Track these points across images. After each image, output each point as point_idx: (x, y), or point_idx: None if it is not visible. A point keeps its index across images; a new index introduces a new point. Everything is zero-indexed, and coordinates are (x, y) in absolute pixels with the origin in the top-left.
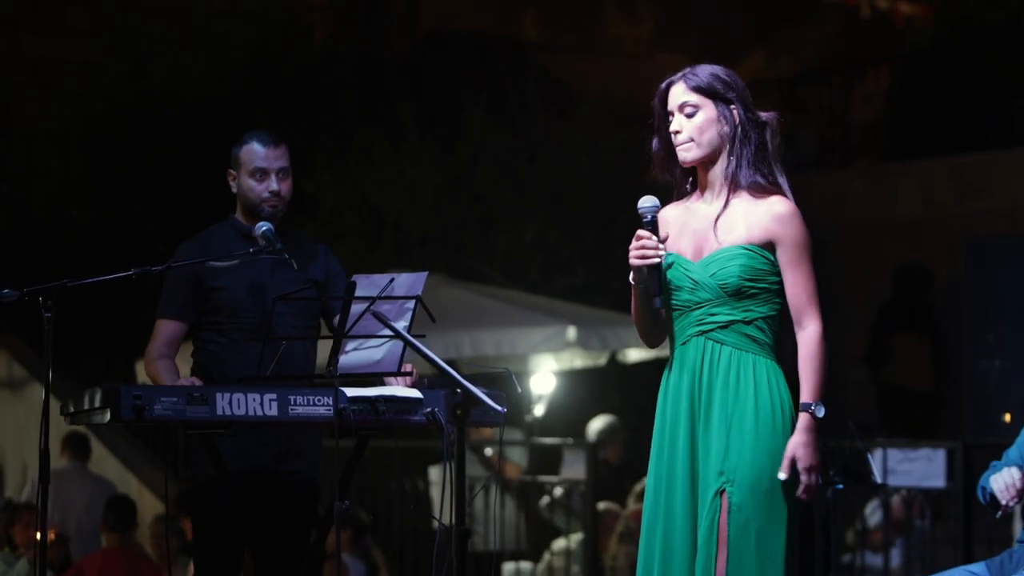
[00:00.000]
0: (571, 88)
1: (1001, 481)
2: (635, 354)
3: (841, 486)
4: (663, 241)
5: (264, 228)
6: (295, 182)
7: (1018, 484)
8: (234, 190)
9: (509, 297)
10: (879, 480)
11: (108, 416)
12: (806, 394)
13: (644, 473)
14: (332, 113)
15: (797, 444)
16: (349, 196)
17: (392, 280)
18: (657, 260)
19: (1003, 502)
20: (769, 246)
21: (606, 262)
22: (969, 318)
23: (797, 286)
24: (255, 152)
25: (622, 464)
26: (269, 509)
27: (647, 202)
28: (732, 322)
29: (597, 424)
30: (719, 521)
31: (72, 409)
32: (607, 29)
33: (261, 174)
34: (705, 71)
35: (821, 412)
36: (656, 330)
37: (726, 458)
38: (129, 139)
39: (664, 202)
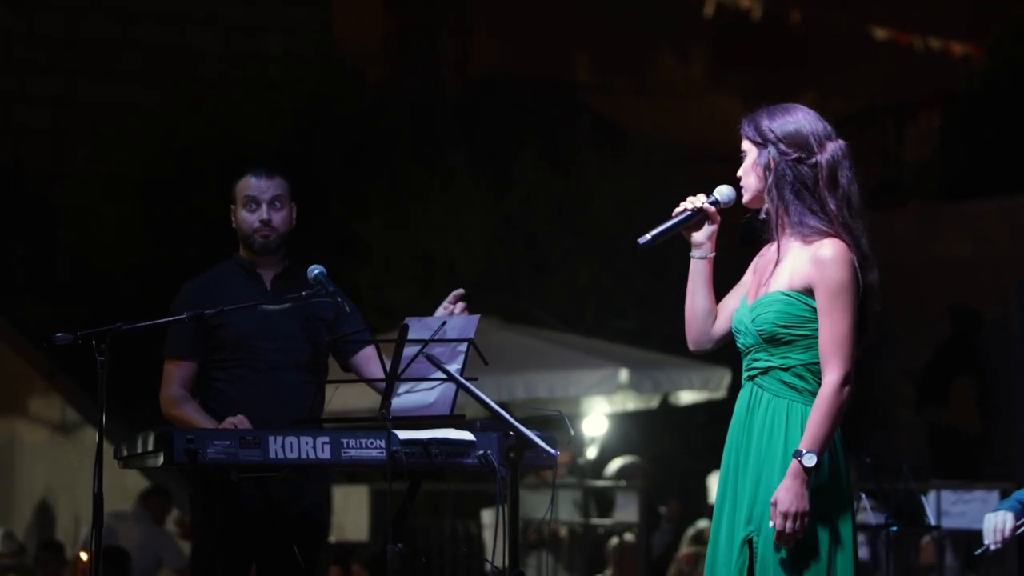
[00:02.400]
0: (623, 130)
1: (992, 521)
2: (687, 396)
3: (895, 528)
4: (711, 214)
5: (317, 271)
6: (348, 226)
7: (1006, 533)
8: (234, 226)
9: (561, 340)
10: (932, 522)
11: (161, 459)
12: (803, 441)
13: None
14: (385, 157)
15: (779, 489)
16: (402, 240)
17: (444, 323)
18: (691, 209)
19: (986, 542)
20: (809, 292)
21: (659, 306)
22: (1021, 359)
23: (824, 334)
24: (247, 183)
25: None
26: (274, 548)
27: (719, 190)
28: (771, 368)
29: (616, 464)
30: (747, 571)
31: (125, 452)
32: (659, 71)
33: (253, 203)
34: (753, 118)
35: (811, 462)
36: (695, 331)
37: (754, 506)
38: (183, 183)
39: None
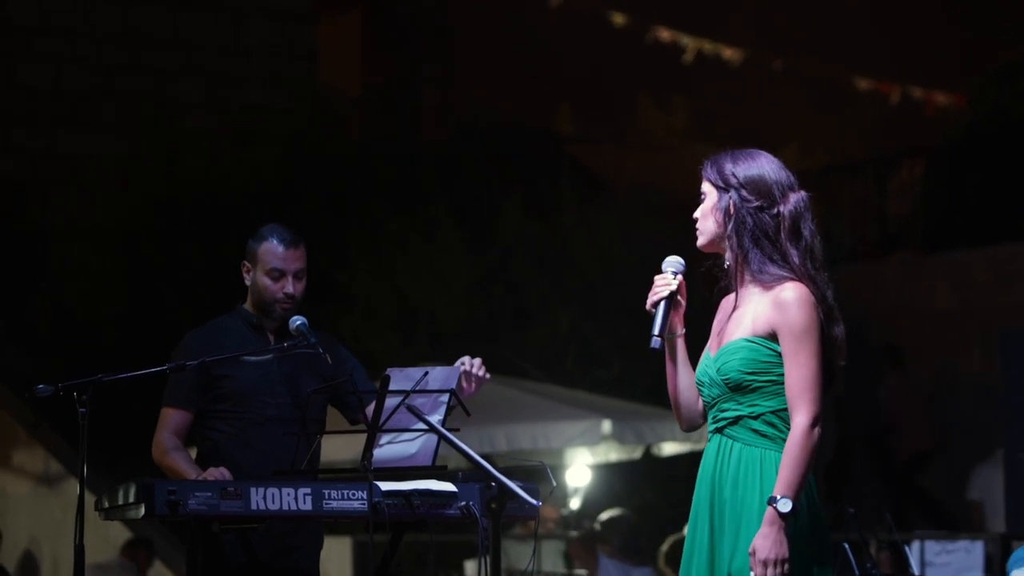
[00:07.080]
0: (604, 179)
1: None
2: (670, 448)
3: None
4: (681, 289)
5: (299, 323)
6: (330, 275)
7: None
8: (247, 283)
9: (544, 391)
10: (916, 572)
11: (143, 511)
12: (777, 487)
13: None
14: (367, 206)
15: (756, 537)
16: (383, 288)
17: (427, 373)
18: (667, 292)
19: None
20: (773, 336)
21: (641, 353)
22: (1005, 409)
23: (790, 377)
24: (274, 252)
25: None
26: None
27: (671, 262)
28: (740, 417)
29: (603, 517)
30: None
31: (107, 504)
32: (639, 121)
33: (278, 275)
34: (715, 160)
35: (786, 507)
36: (685, 410)
37: (734, 558)
38: (164, 234)
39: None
